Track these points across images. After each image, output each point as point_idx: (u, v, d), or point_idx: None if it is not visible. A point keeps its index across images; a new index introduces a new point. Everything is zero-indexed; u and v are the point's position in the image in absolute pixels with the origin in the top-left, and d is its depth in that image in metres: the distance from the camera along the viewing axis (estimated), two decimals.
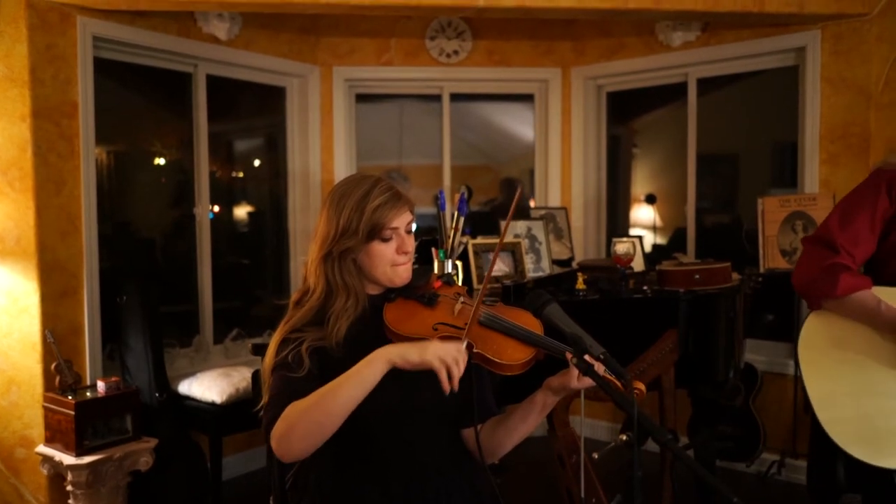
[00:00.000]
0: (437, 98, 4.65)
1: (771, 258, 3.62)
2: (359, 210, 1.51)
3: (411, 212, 1.59)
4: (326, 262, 1.54)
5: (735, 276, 3.09)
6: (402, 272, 1.57)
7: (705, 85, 4.24)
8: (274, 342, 1.53)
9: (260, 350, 2.47)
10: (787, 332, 3.80)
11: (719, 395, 3.41)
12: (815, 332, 1.75)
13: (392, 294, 1.60)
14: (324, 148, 4.45)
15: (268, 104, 4.42)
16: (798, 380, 1.74)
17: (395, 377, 1.39)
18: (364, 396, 1.36)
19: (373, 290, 1.60)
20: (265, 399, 1.47)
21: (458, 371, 1.36)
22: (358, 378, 1.36)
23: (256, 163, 4.63)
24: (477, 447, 1.56)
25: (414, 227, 1.62)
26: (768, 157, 4.26)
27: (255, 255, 4.52)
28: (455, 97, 4.66)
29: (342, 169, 4.43)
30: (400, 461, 1.51)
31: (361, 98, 4.63)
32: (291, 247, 4.47)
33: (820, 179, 3.67)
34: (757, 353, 3.83)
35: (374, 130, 4.76)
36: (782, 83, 3.93)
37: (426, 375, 1.44)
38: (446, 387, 1.34)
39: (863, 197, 1.75)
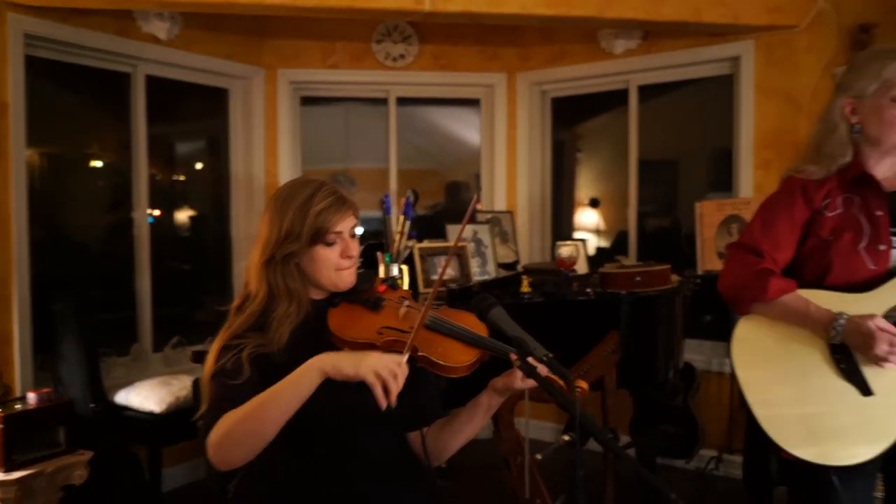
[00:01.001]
0: (383, 102, 4.64)
1: (708, 260, 3.74)
2: (302, 214, 1.49)
3: (356, 216, 1.58)
4: (268, 267, 1.52)
5: (674, 277, 3.17)
6: (346, 277, 1.56)
7: (646, 92, 4.35)
8: (214, 349, 1.50)
9: (200, 357, 2.41)
10: (724, 332, 3.88)
11: (660, 394, 3.51)
12: (748, 332, 1.79)
13: (336, 299, 1.58)
14: (268, 151, 4.38)
15: (210, 106, 4.33)
16: (734, 378, 1.79)
17: (341, 383, 1.38)
18: (299, 405, 1.34)
19: (316, 295, 1.58)
20: (203, 407, 1.44)
21: (396, 386, 1.33)
22: (292, 387, 1.34)
23: (199, 166, 4.53)
24: (423, 450, 1.56)
25: (360, 231, 1.61)
26: (706, 162, 4.39)
27: (197, 261, 4.42)
28: (401, 101, 4.66)
29: (287, 172, 4.37)
30: (346, 467, 1.50)
31: (307, 101, 4.59)
32: (235, 251, 4.39)
33: (754, 184, 3.80)
34: (695, 353, 3.94)
35: (319, 134, 4.72)
36: (719, 91, 4.06)
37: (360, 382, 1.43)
38: (382, 402, 1.32)
39: (781, 204, 1.80)
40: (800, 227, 1.77)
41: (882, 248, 1.68)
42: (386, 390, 1.32)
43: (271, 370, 1.42)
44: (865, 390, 1.64)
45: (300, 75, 4.42)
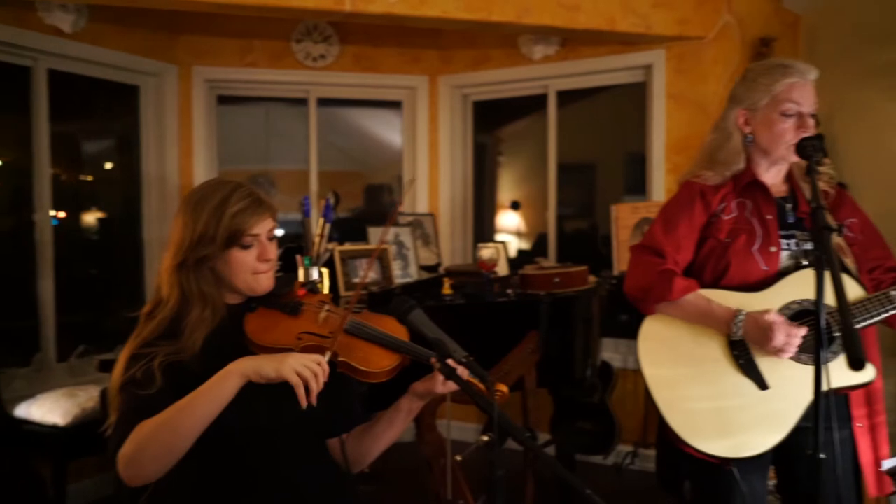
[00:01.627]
0: (303, 102, 4.57)
1: (624, 261, 3.86)
2: (217, 216, 1.45)
3: (273, 218, 1.55)
4: (181, 271, 1.46)
5: (592, 278, 3.26)
6: (263, 280, 1.52)
7: (564, 97, 4.46)
8: (122, 358, 1.43)
9: (108, 366, 2.30)
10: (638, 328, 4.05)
11: (578, 392, 3.60)
12: (653, 330, 1.86)
13: (253, 303, 1.54)
14: (182, 151, 4.24)
15: (120, 103, 4.15)
16: (641, 375, 1.85)
17: (257, 391, 1.34)
18: (218, 413, 1.30)
19: (232, 300, 1.54)
20: (112, 419, 1.38)
21: (318, 385, 1.33)
22: (211, 394, 1.30)
23: (108, 166, 4.33)
24: (343, 457, 1.54)
25: (280, 232, 1.57)
26: (622, 166, 4.54)
27: (107, 265, 4.22)
28: (322, 102, 4.61)
29: (202, 173, 4.24)
30: (265, 478, 1.46)
31: (224, 100, 4.46)
32: (147, 255, 4.22)
33: (666, 188, 3.96)
34: (612, 352, 4.06)
35: (237, 134, 4.60)
36: (633, 98, 4.20)
37: (285, 388, 1.40)
38: (303, 401, 1.31)
39: (681, 207, 1.87)
40: (698, 230, 1.85)
41: (773, 249, 1.77)
42: (307, 390, 1.31)
43: (185, 379, 1.36)
44: (762, 384, 1.73)
45: (216, 73, 4.29)
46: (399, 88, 4.66)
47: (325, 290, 2.63)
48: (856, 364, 1.17)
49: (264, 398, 1.39)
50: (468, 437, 4.49)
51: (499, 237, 4.75)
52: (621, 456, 3.96)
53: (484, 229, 4.86)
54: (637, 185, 4.22)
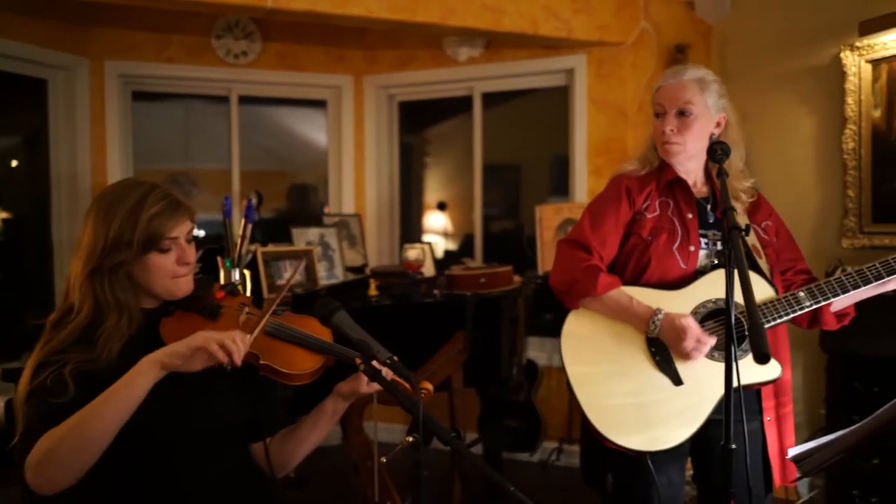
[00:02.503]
0: (225, 100, 4.45)
1: (548, 261, 3.93)
2: (132, 220, 1.39)
3: (192, 220, 1.50)
4: (94, 278, 1.40)
5: (517, 278, 3.31)
6: (182, 284, 1.47)
7: (490, 99, 4.51)
8: (29, 366, 1.36)
9: (13, 375, 2.18)
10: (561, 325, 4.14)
11: (505, 391, 3.64)
12: (575, 328, 1.89)
13: (170, 307, 1.49)
14: (95, 149, 4.05)
15: (27, 98, 3.94)
16: (564, 372, 1.89)
17: (172, 398, 1.30)
18: (132, 410, 1.26)
19: (148, 304, 1.48)
20: (20, 429, 1.31)
21: (238, 347, 1.30)
22: (124, 391, 1.25)
23: (14, 163, 4.10)
24: (267, 462, 1.51)
25: (201, 233, 1.53)
26: (547, 168, 4.63)
27: (12, 268, 3.99)
28: (245, 100, 4.50)
29: (117, 172, 4.07)
30: (182, 489, 1.41)
31: (140, 96, 4.30)
32: (56, 258, 4.02)
33: (588, 189, 4.05)
34: (537, 350, 4.13)
35: (155, 131, 4.45)
36: (557, 101, 4.29)
37: (205, 393, 1.36)
38: (223, 358, 1.28)
39: (608, 202, 1.93)
40: (623, 227, 1.90)
41: (692, 248, 1.84)
42: (229, 354, 1.29)
43: (98, 388, 1.31)
44: (677, 380, 1.79)
45: (131, 68, 4.13)
46: (324, 87, 4.60)
47: (248, 293, 2.57)
48: (761, 358, 1.23)
49: (180, 406, 1.35)
50: (396, 438, 4.45)
51: (426, 238, 4.76)
52: (547, 452, 4.03)
53: (411, 230, 4.86)
54: (561, 187, 4.32)
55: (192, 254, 1.48)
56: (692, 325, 1.74)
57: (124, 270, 1.41)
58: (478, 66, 4.34)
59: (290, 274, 2.76)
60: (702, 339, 1.73)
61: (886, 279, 1.73)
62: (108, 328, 1.38)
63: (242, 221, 2.50)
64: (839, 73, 3.20)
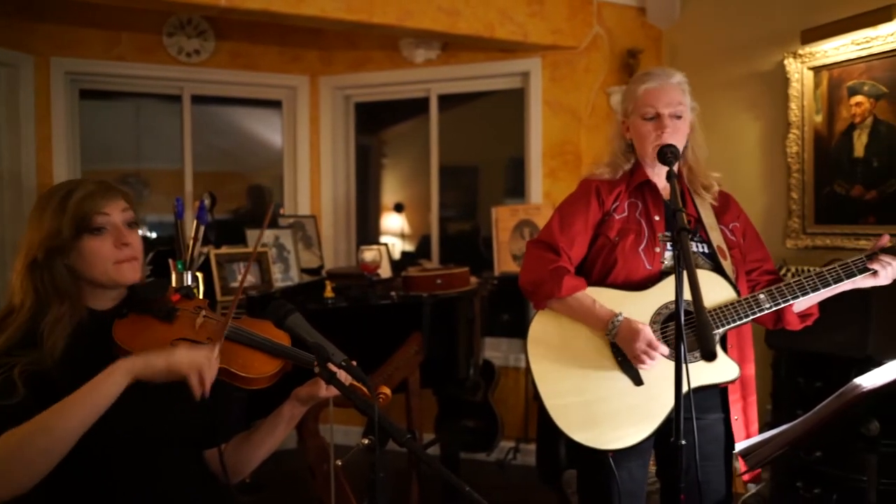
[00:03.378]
0: (177, 99, 4.37)
1: (504, 262, 3.97)
2: (61, 207, 1.37)
3: (127, 202, 1.46)
4: (33, 272, 1.37)
5: (473, 279, 3.33)
6: (126, 270, 1.42)
7: (447, 101, 4.52)
8: None
9: None
10: (520, 330, 4.18)
11: (462, 391, 3.66)
12: (541, 328, 1.92)
13: (123, 310, 1.46)
14: (40, 147, 3.93)
15: None
16: (529, 372, 1.91)
17: (126, 403, 1.27)
18: (99, 415, 1.23)
19: (99, 304, 1.44)
20: None
21: (210, 376, 1.30)
22: (94, 393, 1.23)
23: None
24: (221, 467, 1.48)
25: (151, 234, 1.50)
26: (502, 169, 4.66)
27: None
28: (198, 99, 4.42)
29: (63, 172, 3.96)
30: (134, 497, 1.38)
31: (88, 94, 4.19)
32: (0, 259, 3.88)
33: (543, 191, 4.10)
34: (494, 350, 4.16)
35: (105, 131, 4.34)
36: (512, 103, 4.33)
37: (160, 398, 1.33)
38: (198, 392, 1.28)
39: (577, 203, 1.95)
40: (593, 228, 1.92)
41: (657, 250, 1.87)
42: (202, 381, 1.28)
43: (49, 390, 1.27)
44: (637, 380, 1.83)
45: (78, 65, 4.02)
46: (279, 88, 4.55)
47: (200, 296, 2.53)
48: (707, 356, 1.26)
49: (139, 405, 1.32)
50: (353, 440, 4.44)
51: (383, 239, 4.75)
52: (504, 452, 4.07)
53: (368, 231, 4.85)
54: (517, 188, 4.36)
55: (133, 238, 1.44)
56: (645, 330, 1.77)
57: (63, 261, 1.38)
58: (434, 68, 4.35)
59: (241, 276, 2.72)
60: (653, 344, 1.75)
61: (846, 281, 1.78)
62: (49, 320, 1.34)
63: (195, 223, 2.46)
64: (783, 79, 3.31)
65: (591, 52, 4.00)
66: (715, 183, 1.99)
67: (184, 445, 1.47)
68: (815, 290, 1.78)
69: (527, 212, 3.93)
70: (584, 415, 1.83)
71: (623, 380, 1.84)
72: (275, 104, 4.62)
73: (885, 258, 1.75)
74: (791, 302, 1.80)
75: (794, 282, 1.79)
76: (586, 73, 4.01)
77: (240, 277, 2.74)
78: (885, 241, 1.78)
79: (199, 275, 2.53)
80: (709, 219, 1.93)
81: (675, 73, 1.93)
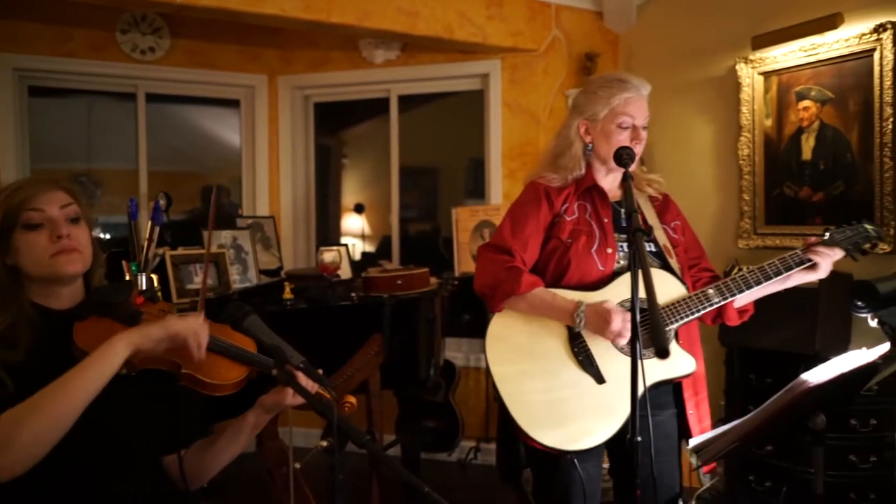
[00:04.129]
0: (131, 97, 4.28)
1: (464, 263, 3.99)
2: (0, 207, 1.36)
3: (71, 195, 1.43)
4: None
5: (434, 280, 3.34)
6: (63, 262, 1.38)
7: (407, 102, 4.52)
8: None
9: None
10: (481, 330, 4.16)
11: (422, 392, 3.66)
12: (499, 329, 1.92)
13: (83, 312, 1.42)
14: None
15: None
16: (489, 372, 1.91)
17: (97, 408, 1.25)
18: (99, 390, 1.23)
19: (55, 303, 1.41)
20: None
21: (205, 341, 1.34)
22: (94, 369, 1.23)
23: None
24: (181, 474, 1.46)
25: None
26: (463, 171, 4.68)
27: None
28: (153, 97, 4.34)
29: (12, 171, 3.83)
30: (94, 498, 1.35)
31: (38, 91, 4.07)
32: None
33: (503, 192, 4.13)
34: (455, 351, 4.18)
35: (55, 129, 4.22)
36: (472, 105, 4.35)
37: (119, 403, 1.31)
38: (196, 355, 1.32)
39: (529, 207, 1.95)
40: (544, 230, 1.93)
41: (609, 251, 1.89)
42: (199, 345, 1.33)
43: (2, 395, 1.24)
44: (599, 379, 1.84)
45: (27, 62, 3.91)
46: (237, 87, 4.49)
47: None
48: (661, 353, 1.29)
49: (98, 410, 1.29)
50: (313, 442, 4.40)
51: (343, 240, 4.73)
52: (465, 452, 4.08)
53: (328, 232, 4.82)
54: (478, 189, 4.38)
55: (75, 231, 1.41)
56: (616, 307, 1.78)
57: (2, 260, 1.36)
58: (394, 68, 4.35)
59: (202, 277, 2.68)
60: (626, 318, 1.76)
61: (785, 274, 1.85)
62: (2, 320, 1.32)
63: (149, 224, 2.42)
64: (735, 83, 3.39)
65: (549, 55, 4.05)
66: (656, 184, 2.04)
67: (141, 451, 1.44)
68: (759, 283, 1.84)
69: (487, 212, 3.95)
70: (545, 414, 1.83)
71: (584, 378, 1.84)
72: (233, 103, 4.56)
73: (821, 249, 1.83)
74: (738, 296, 1.85)
75: (740, 277, 1.85)
76: (545, 76, 4.06)
77: (197, 279, 2.70)
78: (813, 240, 1.87)
79: (154, 277, 2.49)
80: (653, 219, 1.97)
81: (647, 84, 1.95)
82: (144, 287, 2.42)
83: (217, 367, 1.42)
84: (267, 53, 4.48)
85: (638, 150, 1.89)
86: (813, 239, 1.88)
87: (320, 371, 1.39)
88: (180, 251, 2.80)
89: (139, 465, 1.44)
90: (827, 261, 1.84)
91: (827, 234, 1.88)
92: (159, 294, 2.44)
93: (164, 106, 4.45)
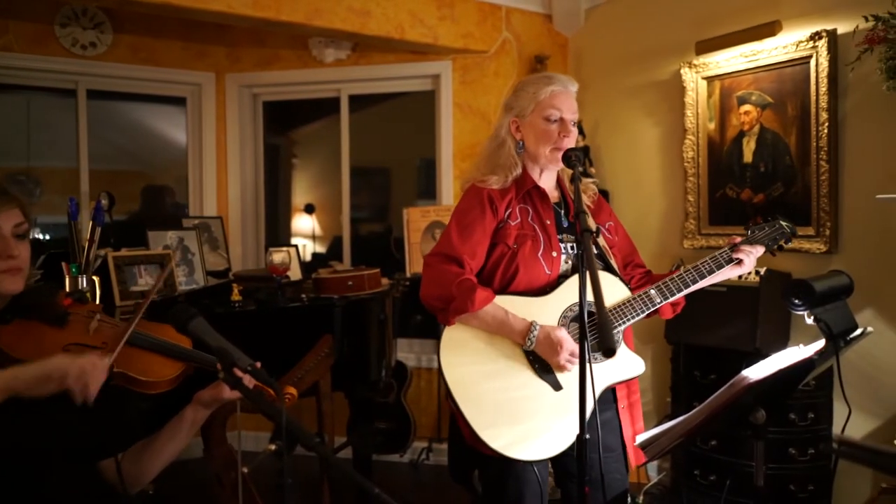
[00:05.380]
0: (71, 93, 4.14)
1: (416, 264, 3.98)
2: None
3: (23, 211, 1.39)
4: None
5: (385, 281, 3.32)
6: (9, 283, 1.36)
7: (358, 101, 4.49)
8: None
9: None
10: (433, 331, 4.21)
11: (374, 393, 3.65)
12: (453, 337, 1.88)
13: (7, 315, 1.37)
14: None
15: None
16: (441, 374, 1.88)
17: (10, 413, 1.20)
18: None
19: None
20: None
21: (96, 381, 1.24)
22: None
23: None
24: (118, 478, 1.42)
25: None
26: (414, 171, 4.68)
27: None
28: (95, 94, 4.20)
29: None
30: None
31: None
32: None
33: (454, 192, 4.15)
34: (407, 351, 4.17)
35: None
36: (424, 105, 4.35)
37: (49, 406, 1.27)
38: (78, 398, 1.23)
39: (473, 212, 1.92)
40: (489, 236, 1.91)
41: (555, 254, 1.90)
42: (84, 387, 1.23)
43: None
44: (557, 386, 1.85)
45: None
46: (183, 84, 4.39)
47: (97, 300, 2.41)
48: (607, 353, 1.31)
49: (25, 414, 1.25)
50: (262, 447, 4.34)
51: (293, 241, 4.67)
52: (417, 452, 4.08)
53: (278, 233, 4.75)
54: (429, 190, 4.38)
55: (18, 248, 1.37)
56: (566, 339, 1.80)
57: None
58: (345, 68, 4.32)
59: (154, 281, 2.62)
60: (575, 354, 1.78)
61: (717, 272, 1.93)
62: None
63: (91, 224, 2.34)
64: (680, 87, 3.48)
65: (500, 57, 4.08)
66: (592, 186, 2.08)
67: (74, 456, 1.40)
68: (695, 282, 1.91)
69: (438, 213, 3.96)
70: (502, 414, 1.81)
71: (542, 386, 1.84)
72: (179, 101, 4.46)
73: (746, 248, 1.93)
74: (677, 295, 1.91)
75: (678, 276, 1.91)
76: (496, 77, 4.09)
77: (141, 281, 2.63)
78: (738, 239, 1.96)
79: (96, 279, 2.41)
80: (591, 221, 2.00)
81: (575, 83, 1.99)
82: (83, 287, 2.34)
83: (151, 364, 1.40)
84: (214, 51, 4.39)
85: (565, 144, 1.91)
86: (738, 238, 1.97)
87: (258, 366, 1.37)
88: (124, 252, 2.72)
89: (72, 471, 1.40)
90: (750, 258, 1.93)
91: (749, 232, 1.98)
92: (88, 296, 2.37)
93: (106, 103, 4.31)
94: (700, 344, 3.06)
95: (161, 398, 1.42)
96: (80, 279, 2.28)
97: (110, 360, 1.30)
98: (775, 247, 1.99)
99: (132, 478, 1.49)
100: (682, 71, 3.45)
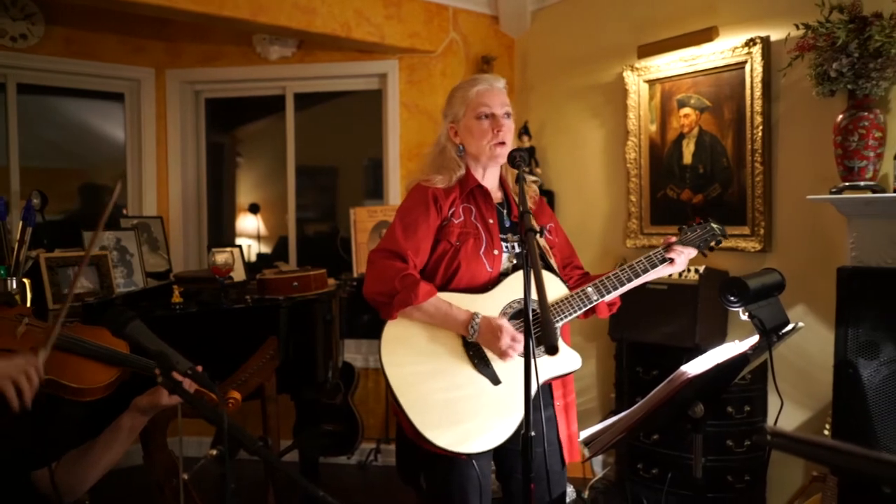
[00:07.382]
0: (0, 87, 3.96)
1: (363, 264, 3.96)
2: None
3: None
4: None
5: (332, 281, 3.29)
6: None
7: (304, 100, 4.44)
8: None
9: None
10: (380, 331, 4.17)
11: (320, 395, 3.61)
12: (394, 333, 1.90)
13: None
14: None
15: None
16: (385, 374, 1.88)
17: None
18: None
19: None
20: None
21: (30, 386, 1.20)
22: None
23: None
24: (52, 488, 1.37)
25: None
26: (361, 170, 4.65)
27: None
28: (26, 88, 4.04)
29: None
30: None
31: None
32: None
33: (401, 192, 4.14)
34: (354, 352, 4.14)
35: None
36: (371, 104, 4.33)
37: None
38: (15, 405, 1.18)
39: (418, 211, 1.95)
40: (433, 234, 1.94)
41: (496, 252, 1.94)
42: (20, 392, 1.19)
43: None
44: (495, 380, 1.88)
45: None
46: (120, 80, 4.26)
47: (28, 303, 2.32)
48: (550, 350, 1.33)
49: None
50: (205, 452, 4.25)
51: (238, 241, 4.58)
52: (365, 454, 4.05)
53: (222, 233, 4.65)
54: (377, 190, 4.36)
55: None
56: (507, 326, 1.84)
57: None
58: (290, 65, 4.26)
59: (73, 280, 2.53)
60: (515, 338, 1.83)
61: (651, 271, 1.98)
62: None
63: (21, 224, 2.25)
64: (622, 90, 3.55)
65: (447, 57, 4.09)
66: (534, 186, 2.12)
67: (3, 468, 1.34)
68: (630, 280, 1.96)
69: (385, 213, 3.94)
70: (445, 414, 1.83)
71: (481, 380, 1.87)
72: (117, 97, 4.32)
73: (678, 248, 1.99)
74: (613, 294, 1.96)
75: (613, 275, 1.96)
76: (443, 77, 4.09)
77: (71, 282, 2.53)
78: (672, 239, 2.03)
79: (27, 281, 2.32)
80: (534, 220, 2.04)
81: (500, 79, 2.04)
82: (11, 290, 2.25)
83: (83, 369, 1.36)
84: (153, 45, 4.27)
85: (501, 136, 1.95)
86: (672, 238, 2.03)
87: (199, 370, 1.34)
88: (57, 253, 2.62)
89: (4, 482, 1.34)
90: (682, 257, 1.99)
91: (682, 233, 2.04)
92: (17, 298, 2.28)
93: (39, 98, 4.15)
94: (642, 340, 3.13)
95: (96, 404, 1.38)
96: (9, 281, 2.19)
97: (42, 358, 1.24)
98: (706, 248, 2.05)
99: (67, 488, 1.43)
100: (624, 74, 3.53)
